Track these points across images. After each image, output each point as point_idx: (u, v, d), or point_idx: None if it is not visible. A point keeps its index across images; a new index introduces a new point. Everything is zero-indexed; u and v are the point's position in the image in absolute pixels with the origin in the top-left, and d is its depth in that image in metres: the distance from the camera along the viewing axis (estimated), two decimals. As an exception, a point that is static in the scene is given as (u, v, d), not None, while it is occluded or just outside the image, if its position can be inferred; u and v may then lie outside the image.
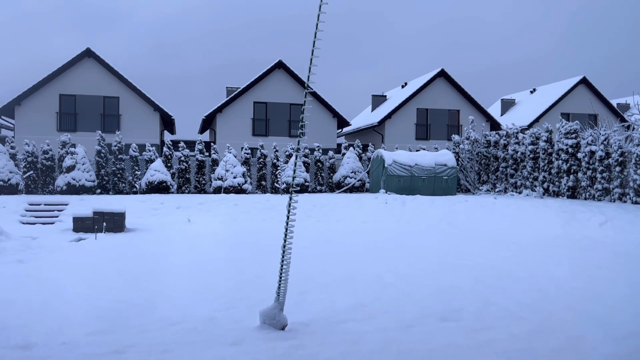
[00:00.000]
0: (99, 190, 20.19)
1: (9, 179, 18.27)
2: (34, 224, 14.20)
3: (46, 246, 10.28)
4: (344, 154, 23.62)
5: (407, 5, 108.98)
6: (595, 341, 4.64)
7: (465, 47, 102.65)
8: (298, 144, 5.24)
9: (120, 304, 5.77)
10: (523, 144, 21.32)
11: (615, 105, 36.26)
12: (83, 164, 19.26)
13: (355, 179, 22.23)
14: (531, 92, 40.29)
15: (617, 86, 77.44)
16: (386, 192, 19.46)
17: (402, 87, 37.43)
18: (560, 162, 19.03)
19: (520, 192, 20.82)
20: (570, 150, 18.70)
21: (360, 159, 23.88)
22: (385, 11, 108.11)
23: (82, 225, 12.69)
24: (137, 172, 21.05)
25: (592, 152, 17.84)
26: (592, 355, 4.32)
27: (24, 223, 14.23)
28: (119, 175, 20.92)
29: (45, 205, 15.73)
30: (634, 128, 17.24)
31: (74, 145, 20.42)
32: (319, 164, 23.49)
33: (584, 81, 35.10)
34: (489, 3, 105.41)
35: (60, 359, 4.13)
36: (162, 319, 5.22)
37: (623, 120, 30.72)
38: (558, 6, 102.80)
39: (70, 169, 19.02)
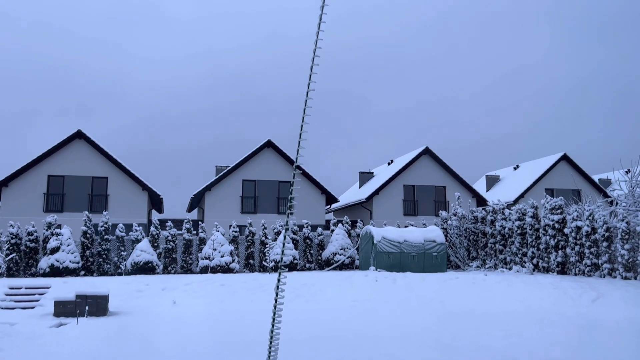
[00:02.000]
0: (83, 272, 19.75)
1: (-10, 262, 17.85)
2: (13, 308, 13.71)
3: (25, 333, 9.87)
4: (332, 231, 23.58)
5: (384, 87, 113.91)
6: None
7: (446, 125, 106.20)
8: (287, 223, 5.24)
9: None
10: (510, 219, 21.50)
11: (597, 181, 37.09)
12: (68, 245, 18.96)
13: (344, 255, 22.05)
14: (514, 168, 41.23)
15: (598, 162, 79.64)
16: (376, 269, 19.25)
17: (389, 164, 38.15)
18: (547, 237, 19.13)
19: (510, 269, 20.72)
20: (556, 225, 18.87)
21: (349, 235, 23.82)
22: (366, 94, 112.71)
23: (64, 309, 12.28)
24: (122, 253, 20.73)
25: (579, 228, 18.01)
26: None
27: (2, 308, 13.72)
28: (104, 256, 20.57)
29: (26, 288, 15.28)
30: (616, 203, 17.56)
31: (59, 226, 20.21)
32: (307, 240, 23.35)
33: (565, 157, 36.09)
34: (461, 85, 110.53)
35: None
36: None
37: (606, 195, 31.31)
38: (528, 88, 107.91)
39: (55, 250, 18.69)
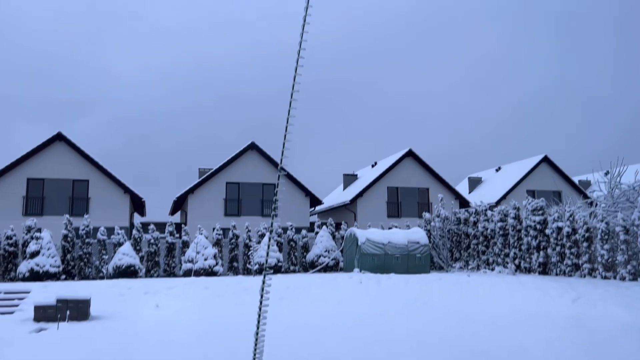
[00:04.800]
0: (63, 276, 19.45)
1: (-33, 266, 17.49)
2: (-9, 314, 13.43)
3: (3, 338, 9.68)
4: (317, 233, 23.57)
5: (366, 89, 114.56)
6: None
7: (428, 127, 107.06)
8: (271, 225, 5.23)
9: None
10: (492, 221, 21.73)
11: (577, 182, 37.70)
12: (48, 249, 18.66)
13: (329, 258, 22.06)
14: (496, 170, 41.69)
15: (578, 164, 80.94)
16: (360, 271, 19.30)
17: (372, 166, 38.30)
18: (529, 238, 19.37)
19: (492, 269, 20.93)
20: (538, 226, 19.12)
21: (334, 237, 23.84)
22: (349, 96, 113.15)
23: (44, 314, 12.07)
24: (104, 256, 20.47)
25: (560, 229, 18.27)
26: None
27: (-20, 313, 13.44)
28: (85, 259, 20.29)
29: (5, 293, 14.99)
30: (596, 204, 17.86)
31: (39, 230, 19.88)
32: (292, 243, 23.31)
33: (546, 159, 36.61)
34: (436, 78, 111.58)
35: None
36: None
37: (585, 196, 31.82)
38: (515, 88, 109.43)
39: (35, 254, 18.38)
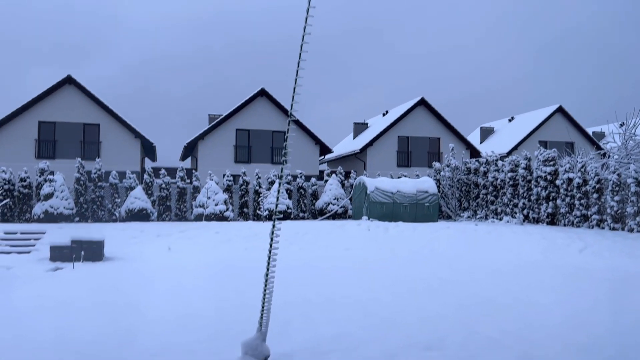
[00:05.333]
0: (77, 219, 19.83)
1: (-16, 207, 17.85)
2: (9, 253, 13.83)
3: (22, 276, 10.01)
4: (326, 181, 23.67)
5: (380, 37, 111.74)
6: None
7: (441, 77, 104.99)
8: (281, 171, 5.24)
9: (98, 336, 5.61)
10: (502, 171, 21.63)
11: (591, 134, 37.16)
12: (61, 192, 18.94)
13: (337, 205, 22.24)
14: (509, 120, 41.11)
15: (593, 115, 79.57)
16: (369, 219, 19.48)
17: (383, 115, 37.91)
18: (539, 189, 19.32)
19: (500, 219, 21.02)
20: (548, 177, 19.02)
21: (343, 185, 23.94)
22: (359, 45, 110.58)
23: (60, 254, 12.41)
24: (116, 200, 20.77)
25: (570, 179, 18.17)
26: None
27: (-2, 252, 13.85)
28: (98, 203, 20.61)
29: (21, 233, 15.38)
30: (609, 156, 17.65)
31: (52, 173, 20.11)
32: (301, 190, 23.47)
33: (560, 110, 35.97)
34: (463, 32, 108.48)
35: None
36: (142, 351, 5.08)
37: (599, 148, 31.44)
38: (531, 37, 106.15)
39: (48, 196, 18.69)
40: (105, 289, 8.85)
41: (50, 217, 18.39)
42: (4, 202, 19.23)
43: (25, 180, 19.83)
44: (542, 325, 6.23)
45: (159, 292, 8.53)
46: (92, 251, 12.44)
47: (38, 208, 18.60)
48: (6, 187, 19.51)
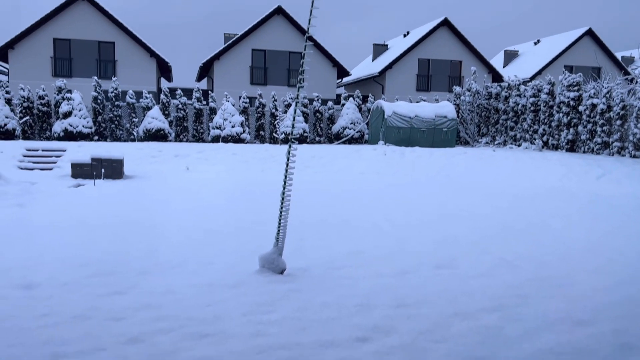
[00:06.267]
0: (96, 137, 20.09)
1: (5, 124, 18.12)
2: (32, 169, 14.20)
3: (45, 191, 10.32)
4: (343, 105, 23.40)
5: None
6: (587, 290, 4.74)
7: (468, 1, 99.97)
8: (297, 94, 5.16)
9: (121, 248, 5.84)
10: (524, 96, 21.10)
11: (619, 58, 35.72)
12: (80, 110, 19.06)
13: (354, 130, 22.12)
14: (535, 43, 39.54)
15: (623, 38, 75.91)
16: (385, 144, 19.42)
17: (404, 36, 36.66)
18: (561, 115, 18.90)
19: (519, 145, 20.79)
20: (571, 103, 18.54)
21: (360, 110, 23.67)
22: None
23: (81, 171, 12.70)
24: (134, 120, 20.89)
25: (594, 105, 17.69)
26: (583, 302, 4.41)
27: (22, 168, 14.23)
28: (116, 122, 20.77)
29: (43, 150, 15.69)
30: (637, 81, 17.03)
31: (69, 91, 20.14)
32: (317, 114, 23.29)
33: (590, 33, 34.39)
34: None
35: (62, 299, 4.21)
36: (162, 262, 5.30)
37: (627, 73, 30.31)
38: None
39: (67, 115, 18.85)
40: (126, 205, 9.10)
41: (69, 135, 18.65)
42: (25, 119, 19.46)
43: (43, 99, 19.94)
44: (553, 248, 6.31)
45: (178, 209, 8.76)
46: (112, 169, 12.70)
47: (57, 126, 18.82)
48: (25, 104, 19.66)
